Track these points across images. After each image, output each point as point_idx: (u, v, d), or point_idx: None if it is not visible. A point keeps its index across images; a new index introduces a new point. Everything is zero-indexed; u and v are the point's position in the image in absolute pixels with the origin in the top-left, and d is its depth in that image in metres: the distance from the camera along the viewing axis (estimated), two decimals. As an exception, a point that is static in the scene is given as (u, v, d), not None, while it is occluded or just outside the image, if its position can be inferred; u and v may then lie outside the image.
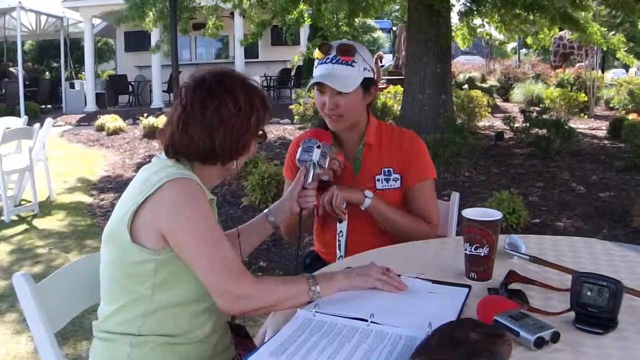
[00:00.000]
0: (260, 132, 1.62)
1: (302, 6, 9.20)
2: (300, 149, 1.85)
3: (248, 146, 1.58)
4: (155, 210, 1.41)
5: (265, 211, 1.87)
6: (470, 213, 1.52)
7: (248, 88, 1.56)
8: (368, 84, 2.03)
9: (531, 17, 9.43)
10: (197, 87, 1.53)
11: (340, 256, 2.05)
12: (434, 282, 1.51)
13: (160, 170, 1.45)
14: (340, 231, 2.04)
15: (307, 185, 1.82)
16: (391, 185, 2.09)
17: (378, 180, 2.09)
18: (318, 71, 2.01)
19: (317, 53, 2.04)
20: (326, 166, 1.85)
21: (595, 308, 1.24)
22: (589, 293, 1.25)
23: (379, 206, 2.01)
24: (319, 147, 1.82)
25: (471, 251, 1.51)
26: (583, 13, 9.05)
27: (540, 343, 1.14)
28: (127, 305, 1.47)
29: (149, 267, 1.43)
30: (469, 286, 1.47)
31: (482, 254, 1.50)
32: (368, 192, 1.99)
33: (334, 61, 1.98)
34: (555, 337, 1.16)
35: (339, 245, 2.05)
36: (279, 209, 1.85)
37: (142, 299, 1.45)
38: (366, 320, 1.27)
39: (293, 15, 9.15)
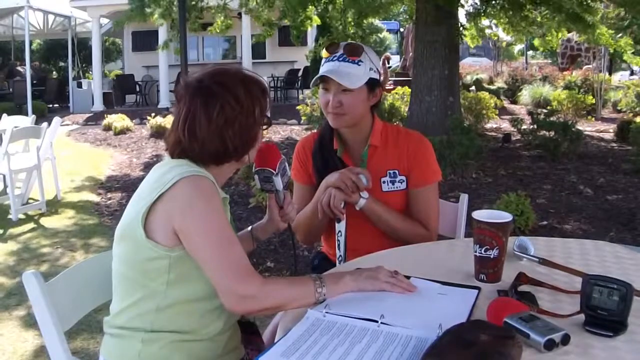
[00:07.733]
0: (265, 120, 1.61)
1: (311, 9, 9.19)
2: (257, 178, 1.74)
3: (257, 136, 1.59)
4: (169, 207, 1.41)
5: (249, 228, 1.86)
6: (480, 215, 1.52)
7: (245, 81, 1.56)
8: (373, 85, 2.03)
9: (538, 19, 9.41)
10: (196, 92, 1.52)
11: (340, 256, 2.05)
12: (443, 283, 1.51)
13: (173, 168, 1.46)
14: (339, 231, 2.04)
15: (282, 204, 1.77)
16: (397, 187, 2.08)
17: (384, 182, 2.08)
18: (324, 68, 2.01)
19: (324, 52, 2.05)
20: (289, 180, 1.77)
21: (605, 311, 1.24)
22: (599, 296, 1.25)
23: (374, 207, 2.00)
24: (276, 174, 1.70)
25: (481, 253, 1.51)
26: (590, 17, 9.02)
27: (550, 345, 1.14)
28: (140, 300, 1.47)
29: (163, 263, 1.43)
30: (478, 288, 1.47)
31: (492, 256, 1.50)
32: (363, 192, 1.98)
33: (340, 59, 1.99)
34: (566, 340, 1.16)
35: (338, 245, 2.05)
36: (262, 230, 1.84)
37: (156, 294, 1.46)
38: (376, 321, 1.27)
39: (302, 16, 9.14)
